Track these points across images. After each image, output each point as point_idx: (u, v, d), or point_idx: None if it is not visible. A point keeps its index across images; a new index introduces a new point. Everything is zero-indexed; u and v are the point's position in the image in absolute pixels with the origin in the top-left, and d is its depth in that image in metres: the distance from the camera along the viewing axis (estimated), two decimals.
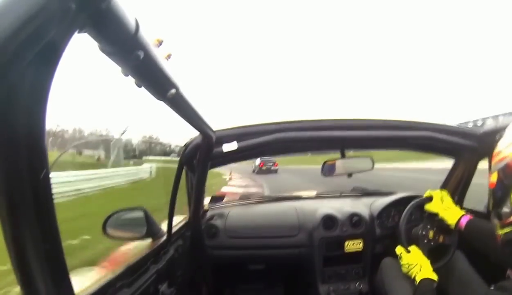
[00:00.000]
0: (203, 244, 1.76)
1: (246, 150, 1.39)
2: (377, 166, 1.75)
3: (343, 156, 1.67)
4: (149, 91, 0.61)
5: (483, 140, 1.46)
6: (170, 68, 0.61)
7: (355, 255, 1.80)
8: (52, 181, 0.46)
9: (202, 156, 1.35)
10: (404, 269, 1.27)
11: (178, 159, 1.43)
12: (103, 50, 0.44)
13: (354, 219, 1.80)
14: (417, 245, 1.33)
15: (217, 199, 2.09)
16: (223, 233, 1.80)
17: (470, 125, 1.72)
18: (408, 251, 1.29)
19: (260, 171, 19.98)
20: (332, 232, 1.78)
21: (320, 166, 1.66)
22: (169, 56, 0.59)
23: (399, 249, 1.33)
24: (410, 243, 1.35)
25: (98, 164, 16.08)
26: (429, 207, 1.38)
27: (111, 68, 0.50)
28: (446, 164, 1.84)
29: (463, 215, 1.27)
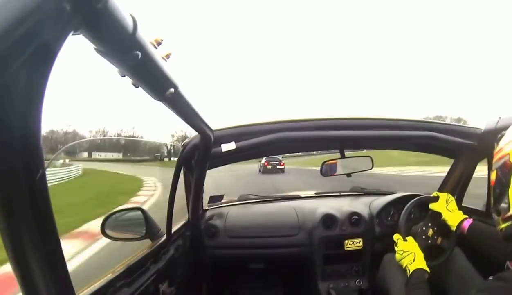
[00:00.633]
0: (203, 243, 1.76)
1: (245, 149, 1.39)
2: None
3: (342, 155, 1.67)
4: (146, 91, 0.61)
5: (483, 140, 1.45)
6: (169, 68, 0.60)
7: (354, 253, 1.81)
8: None
9: (201, 156, 1.35)
10: (398, 256, 1.29)
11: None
12: (99, 51, 0.44)
13: (354, 218, 1.81)
14: (415, 240, 1.34)
15: (216, 198, 2.09)
16: (223, 233, 1.80)
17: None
18: (405, 240, 1.32)
19: (265, 170, 19.55)
20: (332, 231, 1.79)
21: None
22: (168, 56, 0.59)
23: (396, 236, 1.35)
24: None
25: None
26: (434, 206, 1.41)
27: (105, 68, 0.49)
28: None
29: (465, 219, 1.29)
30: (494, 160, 0.89)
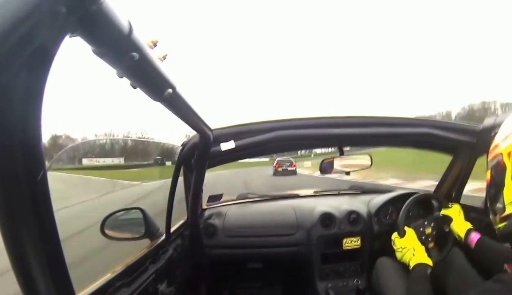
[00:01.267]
0: (202, 243, 1.76)
1: (244, 148, 1.39)
2: None
3: (341, 153, 1.67)
4: (145, 92, 0.61)
5: (482, 136, 1.45)
6: (166, 68, 0.61)
7: (353, 252, 1.81)
8: None
9: (200, 155, 1.35)
10: (398, 254, 1.29)
11: None
12: (96, 52, 0.44)
13: (352, 217, 1.81)
14: None
15: (215, 197, 2.09)
16: (222, 232, 1.80)
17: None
18: (403, 235, 1.31)
19: (276, 173, 18.50)
20: (330, 230, 1.79)
21: None
22: (164, 57, 0.59)
23: (394, 235, 1.35)
24: None
25: None
26: (447, 211, 1.40)
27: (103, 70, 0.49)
28: None
29: (473, 230, 1.28)
30: (489, 158, 0.87)
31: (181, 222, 1.66)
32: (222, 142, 1.37)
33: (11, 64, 0.32)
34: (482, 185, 0.90)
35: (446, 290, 1.32)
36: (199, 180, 1.52)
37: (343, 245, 1.79)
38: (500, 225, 0.82)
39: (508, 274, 0.83)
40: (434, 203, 1.74)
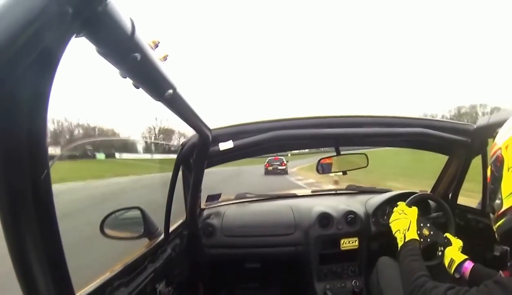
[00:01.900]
0: (200, 243, 1.76)
1: (242, 148, 1.40)
2: None
3: (338, 153, 1.68)
4: (147, 92, 0.62)
5: (477, 136, 1.47)
6: (167, 69, 0.62)
7: (350, 252, 1.82)
8: None
9: (199, 155, 1.36)
10: (395, 215, 1.30)
11: None
12: (100, 52, 0.45)
13: (350, 217, 1.82)
14: None
15: (214, 197, 2.10)
16: (220, 232, 1.80)
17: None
18: (410, 206, 1.33)
19: (267, 172, 18.41)
20: (328, 230, 1.80)
21: None
22: (165, 58, 0.60)
23: (401, 203, 1.38)
24: None
25: None
26: (451, 238, 1.34)
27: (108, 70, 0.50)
28: None
29: (467, 260, 1.22)
30: (489, 155, 0.89)
31: (180, 221, 1.66)
32: (220, 142, 1.38)
33: (19, 65, 0.32)
34: None
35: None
36: (198, 179, 1.53)
37: (341, 246, 1.80)
38: (499, 223, 0.82)
39: (509, 279, 0.80)
40: (432, 203, 1.75)
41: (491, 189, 0.85)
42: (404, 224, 1.24)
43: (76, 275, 0.60)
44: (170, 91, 0.66)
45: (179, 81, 0.68)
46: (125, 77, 0.53)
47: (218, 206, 2.07)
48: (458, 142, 1.53)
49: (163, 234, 1.36)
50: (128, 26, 0.45)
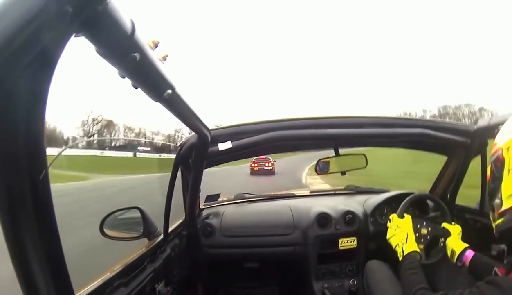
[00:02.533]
0: (199, 243, 1.77)
1: (241, 148, 1.40)
2: None
3: (337, 153, 1.69)
4: (145, 92, 0.62)
5: (476, 137, 1.47)
6: (166, 69, 0.62)
7: (349, 252, 1.82)
8: None
9: (198, 155, 1.36)
10: (390, 232, 1.29)
11: None
12: (99, 52, 0.45)
13: (348, 217, 1.82)
14: None
15: (213, 197, 2.10)
16: (219, 232, 1.81)
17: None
18: (402, 217, 1.32)
19: (253, 172, 17.61)
20: (326, 230, 1.80)
21: None
22: (165, 58, 0.60)
23: (392, 215, 1.37)
24: None
25: None
26: (448, 226, 1.36)
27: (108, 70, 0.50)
28: None
29: (468, 248, 1.24)
30: (490, 154, 0.89)
31: (179, 221, 1.66)
32: (219, 142, 1.38)
33: (18, 64, 0.32)
34: None
35: (436, 288, 1.33)
36: (197, 179, 1.53)
37: (339, 245, 1.80)
38: (498, 222, 0.83)
39: (503, 278, 0.80)
40: (430, 203, 1.76)
41: (491, 187, 0.85)
42: (401, 237, 1.24)
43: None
44: (169, 91, 0.66)
45: (178, 81, 0.68)
46: (124, 77, 0.53)
47: (217, 206, 2.07)
48: (457, 143, 1.53)
49: (162, 234, 1.36)
50: (128, 26, 0.45)
